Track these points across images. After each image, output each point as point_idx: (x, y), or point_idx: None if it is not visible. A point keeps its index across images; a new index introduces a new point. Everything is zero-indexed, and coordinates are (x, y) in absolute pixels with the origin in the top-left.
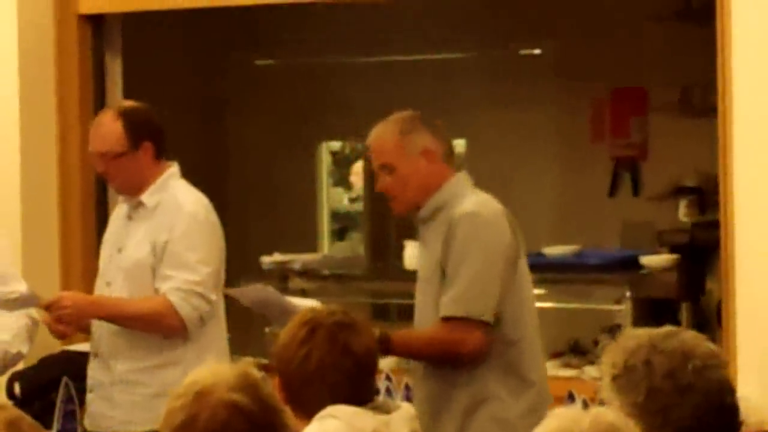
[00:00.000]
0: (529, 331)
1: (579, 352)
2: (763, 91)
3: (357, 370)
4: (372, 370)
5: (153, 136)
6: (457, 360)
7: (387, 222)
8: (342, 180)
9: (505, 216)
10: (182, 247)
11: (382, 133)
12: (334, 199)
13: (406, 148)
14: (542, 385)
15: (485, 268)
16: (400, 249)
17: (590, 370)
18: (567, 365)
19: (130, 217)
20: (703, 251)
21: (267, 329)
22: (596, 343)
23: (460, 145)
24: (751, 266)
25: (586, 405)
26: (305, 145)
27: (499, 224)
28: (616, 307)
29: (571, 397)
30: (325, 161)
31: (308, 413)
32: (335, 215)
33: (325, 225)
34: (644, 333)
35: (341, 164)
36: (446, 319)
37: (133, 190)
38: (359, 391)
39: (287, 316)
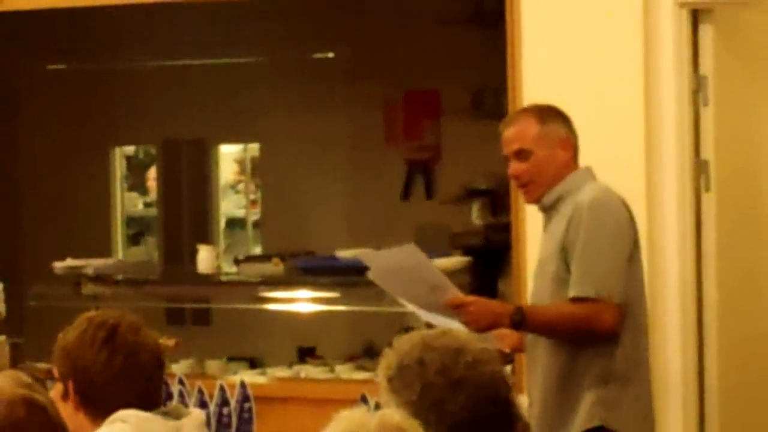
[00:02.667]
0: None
1: (374, 354)
2: (552, 94)
3: (143, 376)
4: (159, 376)
5: None
6: (589, 337)
7: (182, 226)
8: (137, 184)
9: (625, 206)
10: None
11: (522, 120)
12: (129, 203)
13: (546, 135)
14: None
15: (614, 253)
16: (194, 253)
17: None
18: (361, 368)
19: None
20: (495, 253)
21: None
22: (390, 346)
23: (254, 149)
24: None
25: (378, 408)
26: (98, 150)
27: (624, 212)
28: (410, 310)
29: (364, 400)
30: (119, 166)
31: (98, 418)
32: (130, 220)
33: (119, 230)
34: (417, 334)
35: (136, 169)
36: (576, 299)
37: None
38: (147, 397)
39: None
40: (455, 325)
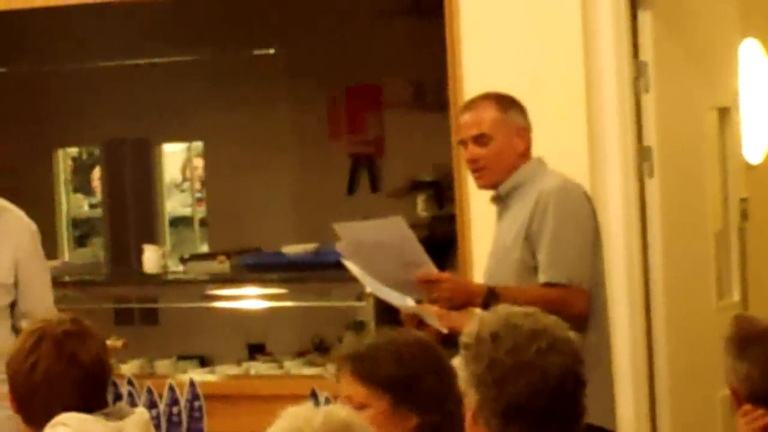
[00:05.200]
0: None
1: (323, 350)
2: (493, 85)
3: (85, 379)
4: (102, 379)
5: None
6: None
7: (127, 227)
8: (82, 186)
9: (587, 195)
10: None
11: (482, 105)
12: (74, 205)
13: (505, 123)
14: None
15: (582, 239)
16: (140, 253)
17: (334, 368)
18: (311, 363)
19: None
20: (442, 245)
21: None
22: (340, 340)
23: (197, 147)
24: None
25: (328, 403)
26: (42, 152)
27: (587, 201)
28: (358, 304)
29: (314, 395)
30: (63, 167)
31: (38, 423)
32: (76, 222)
33: (64, 231)
34: (505, 309)
35: (81, 170)
36: (547, 285)
37: None
38: (89, 399)
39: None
40: (408, 302)
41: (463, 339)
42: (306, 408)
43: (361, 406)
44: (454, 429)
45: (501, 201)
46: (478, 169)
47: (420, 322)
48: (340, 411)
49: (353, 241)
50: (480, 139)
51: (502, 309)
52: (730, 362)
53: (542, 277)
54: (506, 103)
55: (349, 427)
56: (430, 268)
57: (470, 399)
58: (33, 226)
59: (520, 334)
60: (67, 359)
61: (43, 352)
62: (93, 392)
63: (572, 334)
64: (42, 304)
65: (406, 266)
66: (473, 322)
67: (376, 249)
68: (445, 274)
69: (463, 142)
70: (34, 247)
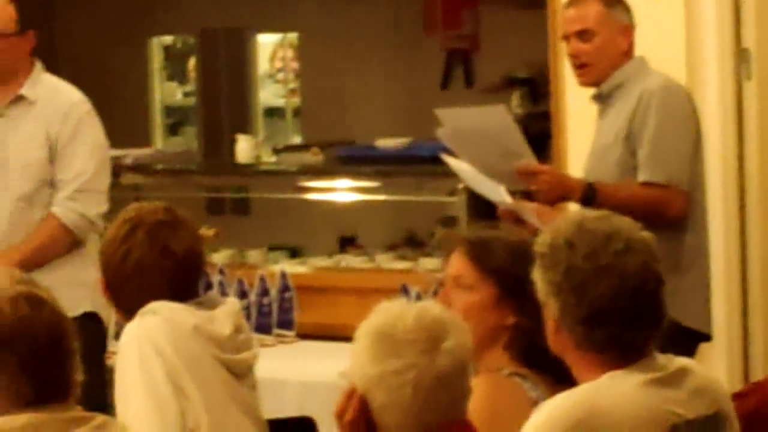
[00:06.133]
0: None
1: (415, 244)
2: None
3: (177, 270)
4: (195, 269)
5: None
6: (659, 221)
7: (220, 116)
8: (176, 74)
9: (690, 96)
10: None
11: (588, 1)
12: (167, 93)
13: (610, 20)
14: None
15: (683, 140)
16: (233, 143)
17: (425, 262)
18: (402, 257)
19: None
20: (537, 141)
21: None
22: (432, 235)
23: (292, 38)
24: (582, 157)
25: (419, 298)
26: (136, 40)
27: (691, 102)
28: (450, 199)
29: (405, 290)
30: (156, 56)
31: (129, 310)
32: (168, 110)
33: (157, 119)
34: (579, 213)
35: (174, 59)
36: (646, 184)
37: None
38: (181, 289)
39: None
40: (506, 198)
41: (538, 248)
42: (399, 303)
43: (468, 287)
44: (542, 339)
45: (602, 99)
46: (580, 65)
47: (517, 219)
48: (433, 308)
49: (454, 127)
50: (584, 35)
51: (576, 214)
52: None
53: (642, 176)
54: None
55: (441, 324)
56: (530, 159)
57: (550, 308)
58: (82, 108)
59: (595, 238)
60: (160, 250)
61: (136, 242)
62: (185, 282)
63: (647, 234)
64: (74, 185)
65: (505, 156)
66: (546, 231)
67: (476, 136)
68: (546, 167)
69: (566, 37)
70: (73, 128)
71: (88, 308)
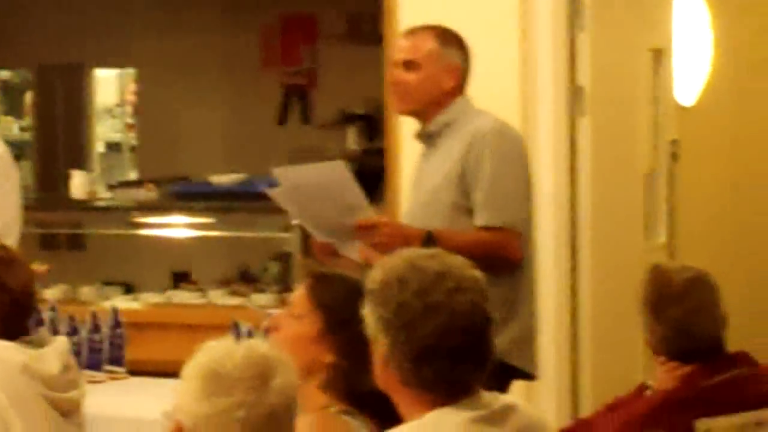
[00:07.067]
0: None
1: (248, 279)
2: (427, 20)
3: (12, 306)
4: (27, 307)
5: None
6: (500, 265)
7: (56, 151)
8: (12, 109)
9: (520, 137)
10: None
11: (423, 34)
12: (3, 127)
13: (439, 57)
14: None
15: (518, 183)
16: (68, 178)
17: (258, 298)
18: (234, 293)
19: None
20: (372, 178)
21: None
22: (265, 271)
23: (129, 74)
24: None
25: (250, 335)
26: None
27: (523, 143)
28: (283, 235)
29: (235, 327)
30: None
31: None
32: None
33: None
34: (410, 252)
35: (11, 93)
36: (484, 228)
37: None
38: (12, 326)
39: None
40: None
41: (369, 284)
42: (226, 342)
43: (298, 316)
44: (361, 378)
45: (429, 139)
46: (398, 92)
47: (334, 252)
48: (261, 346)
49: (292, 186)
50: (409, 65)
51: (405, 252)
52: (646, 321)
53: (478, 220)
54: (447, 38)
55: (269, 361)
56: (370, 214)
57: (380, 344)
58: None
59: (427, 276)
60: None
61: None
62: (17, 319)
63: (478, 273)
64: None
65: (345, 212)
66: (377, 268)
67: (315, 192)
68: (384, 219)
69: (394, 64)
70: None
71: None
